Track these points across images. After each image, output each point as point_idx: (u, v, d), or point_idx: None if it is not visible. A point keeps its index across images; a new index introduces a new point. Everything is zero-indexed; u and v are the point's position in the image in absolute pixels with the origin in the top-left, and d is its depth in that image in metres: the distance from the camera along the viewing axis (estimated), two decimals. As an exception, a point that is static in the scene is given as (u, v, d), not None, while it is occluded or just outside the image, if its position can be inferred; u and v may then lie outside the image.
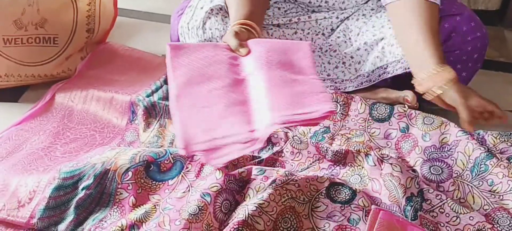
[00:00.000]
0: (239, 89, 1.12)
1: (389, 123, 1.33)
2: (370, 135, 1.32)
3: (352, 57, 1.46)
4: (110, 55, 1.67)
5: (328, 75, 1.47)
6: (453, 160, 1.24)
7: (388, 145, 1.30)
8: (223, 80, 1.12)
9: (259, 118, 1.06)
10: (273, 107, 1.06)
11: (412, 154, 1.27)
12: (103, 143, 1.34)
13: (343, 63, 1.46)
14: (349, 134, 1.32)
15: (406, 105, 1.39)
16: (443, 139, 1.27)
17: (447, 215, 1.11)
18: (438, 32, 1.30)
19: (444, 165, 1.23)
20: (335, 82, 1.46)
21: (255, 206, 1.02)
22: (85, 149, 1.31)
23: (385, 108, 1.35)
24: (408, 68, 1.37)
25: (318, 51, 1.47)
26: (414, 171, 1.21)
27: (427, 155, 1.26)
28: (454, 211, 1.11)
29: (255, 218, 1.01)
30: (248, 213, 1.01)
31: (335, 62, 1.47)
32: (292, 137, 1.26)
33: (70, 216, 1.09)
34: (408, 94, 1.41)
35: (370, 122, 1.34)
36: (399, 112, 1.34)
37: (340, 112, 1.36)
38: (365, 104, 1.36)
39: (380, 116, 1.35)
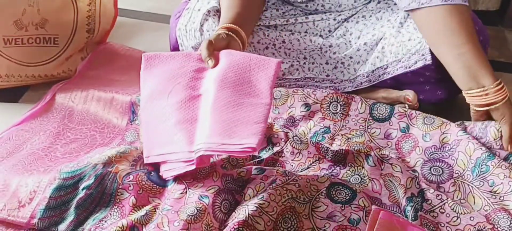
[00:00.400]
0: (192, 107, 1.13)
1: (390, 122, 1.33)
2: (370, 135, 1.32)
3: (351, 57, 1.45)
4: (110, 56, 1.67)
5: (327, 75, 1.47)
6: (453, 159, 1.23)
7: (388, 145, 1.30)
8: (179, 95, 1.15)
9: (197, 140, 1.08)
10: (207, 132, 1.07)
11: (413, 154, 1.27)
12: (103, 143, 1.34)
13: (342, 63, 1.46)
14: (350, 134, 1.32)
15: (406, 105, 1.39)
16: (443, 138, 1.27)
17: (448, 215, 1.11)
18: (478, 39, 1.28)
19: (445, 165, 1.23)
20: (334, 83, 1.46)
21: (255, 206, 1.02)
22: (85, 150, 1.31)
23: (385, 108, 1.35)
24: (409, 67, 1.36)
25: (318, 51, 1.47)
26: (414, 171, 1.22)
27: (428, 155, 1.25)
28: (455, 211, 1.11)
29: (255, 218, 1.01)
30: (248, 213, 1.01)
31: (333, 62, 1.47)
32: (292, 137, 1.26)
33: (70, 216, 1.09)
34: (409, 94, 1.41)
35: (371, 122, 1.34)
36: (399, 113, 1.34)
37: (340, 112, 1.35)
38: (366, 104, 1.36)
39: (381, 115, 1.34)
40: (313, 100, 1.37)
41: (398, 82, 1.43)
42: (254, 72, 1.16)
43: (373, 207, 1.07)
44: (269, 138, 1.27)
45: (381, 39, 1.43)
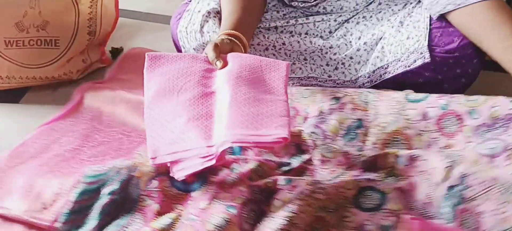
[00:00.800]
0: (206, 103, 1.12)
1: (427, 102, 1.25)
2: (406, 119, 1.24)
3: (351, 57, 1.45)
4: (139, 60, 1.64)
5: (329, 76, 1.47)
6: (509, 135, 1.12)
7: (427, 127, 1.22)
8: (191, 92, 1.13)
9: (217, 134, 1.06)
10: (229, 125, 1.06)
11: (460, 136, 1.18)
12: (130, 147, 1.31)
13: (343, 64, 1.46)
14: (384, 122, 1.25)
15: None
16: (493, 113, 1.16)
17: (493, 202, 0.99)
18: None
19: (499, 142, 1.12)
20: (336, 83, 1.46)
21: (285, 220, 0.99)
22: (112, 154, 1.29)
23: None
24: (409, 66, 1.37)
25: (318, 53, 1.47)
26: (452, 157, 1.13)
27: (479, 135, 1.15)
28: (502, 198, 0.99)
29: None
30: (278, 227, 0.98)
31: (334, 64, 1.47)
32: (321, 145, 1.21)
33: (93, 221, 1.07)
34: (410, 94, 1.41)
35: (405, 104, 1.26)
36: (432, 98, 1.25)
37: (372, 100, 1.30)
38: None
39: (416, 96, 1.27)
40: (343, 93, 1.32)
41: (398, 82, 1.43)
42: (266, 72, 1.15)
43: (405, 217, 1.01)
44: (298, 145, 1.23)
45: (381, 38, 1.43)
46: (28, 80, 1.56)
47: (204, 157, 1.05)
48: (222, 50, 1.21)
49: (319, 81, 1.46)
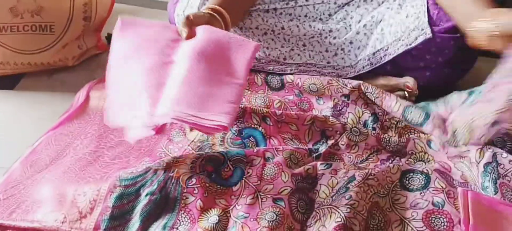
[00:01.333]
0: (163, 72, 1.11)
1: (429, 122, 1.27)
2: (408, 122, 1.29)
3: (351, 42, 1.45)
4: None
5: (328, 62, 1.46)
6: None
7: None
8: (151, 60, 1.13)
9: (162, 106, 1.06)
10: (175, 100, 1.05)
11: None
12: (149, 145, 1.26)
13: (342, 50, 1.46)
14: (396, 118, 1.29)
15: (406, 92, 1.38)
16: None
17: None
18: None
19: (508, 137, 1.19)
20: (336, 69, 1.45)
21: (348, 208, 1.01)
22: (134, 154, 1.24)
23: (420, 115, 1.28)
24: (410, 44, 1.36)
25: (317, 38, 1.46)
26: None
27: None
28: None
29: (352, 220, 1.01)
30: (344, 216, 1.00)
31: (333, 49, 1.46)
32: (350, 129, 1.24)
33: (136, 224, 1.05)
34: (409, 80, 1.40)
35: (404, 122, 1.30)
36: (433, 123, 1.26)
37: (379, 99, 1.33)
38: (400, 104, 1.30)
39: (413, 120, 1.28)
40: (350, 89, 1.33)
41: (398, 68, 1.42)
42: (233, 51, 1.14)
43: (459, 189, 1.06)
44: (323, 131, 1.25)
45: (380, 21, 1.43)
46: (23, 67, 1.55)
47: (147, 126, 1.06)
48: (195, 22, 1.20)
49: (318, 67, 1.45)
